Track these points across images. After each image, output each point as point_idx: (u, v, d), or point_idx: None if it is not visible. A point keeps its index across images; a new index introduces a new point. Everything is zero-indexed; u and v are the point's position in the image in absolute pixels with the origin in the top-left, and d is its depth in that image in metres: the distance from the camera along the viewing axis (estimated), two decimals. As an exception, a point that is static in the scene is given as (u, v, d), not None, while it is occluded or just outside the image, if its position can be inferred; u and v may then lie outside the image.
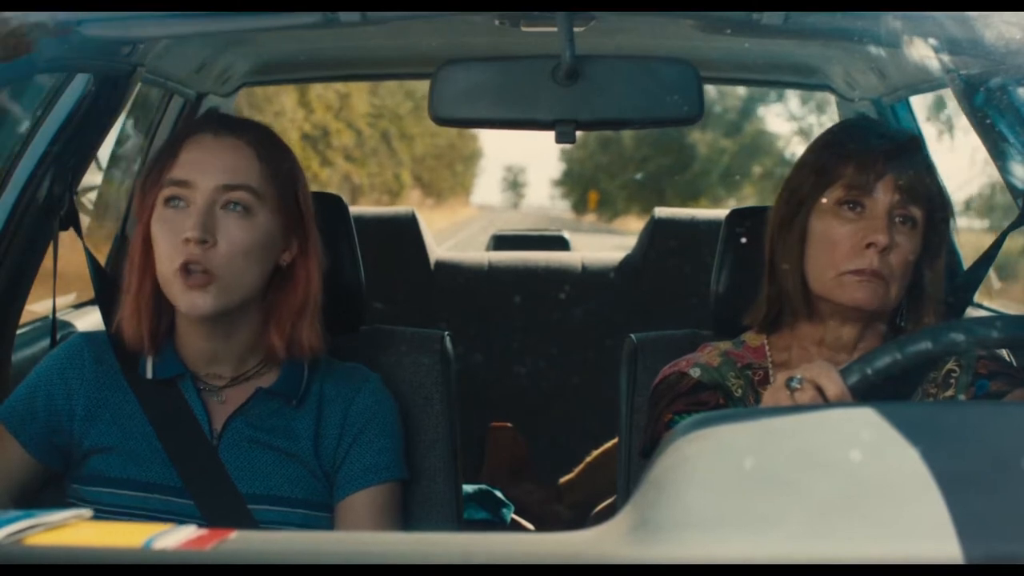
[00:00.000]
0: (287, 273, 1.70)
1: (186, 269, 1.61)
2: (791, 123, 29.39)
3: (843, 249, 1.66)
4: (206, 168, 1.64)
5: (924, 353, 1.38)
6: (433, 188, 36.90)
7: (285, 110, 21.11)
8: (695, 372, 1.75)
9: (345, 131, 24.97)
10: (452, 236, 22.63)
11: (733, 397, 1.73)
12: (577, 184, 42.52)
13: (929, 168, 1.73)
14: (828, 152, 1.73)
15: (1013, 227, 1.98)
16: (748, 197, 27.60)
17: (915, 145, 1.74)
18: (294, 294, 1.70)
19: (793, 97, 27.87)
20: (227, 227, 1.63)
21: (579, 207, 42.00)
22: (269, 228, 1.66)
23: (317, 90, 22.22)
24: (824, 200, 1.70)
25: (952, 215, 1.75)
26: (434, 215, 29.98)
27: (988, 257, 2.02)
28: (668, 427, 1.73)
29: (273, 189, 1.67)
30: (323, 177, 22.46)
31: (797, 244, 1.71)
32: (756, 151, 28.67)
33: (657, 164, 32.25)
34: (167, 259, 1.63)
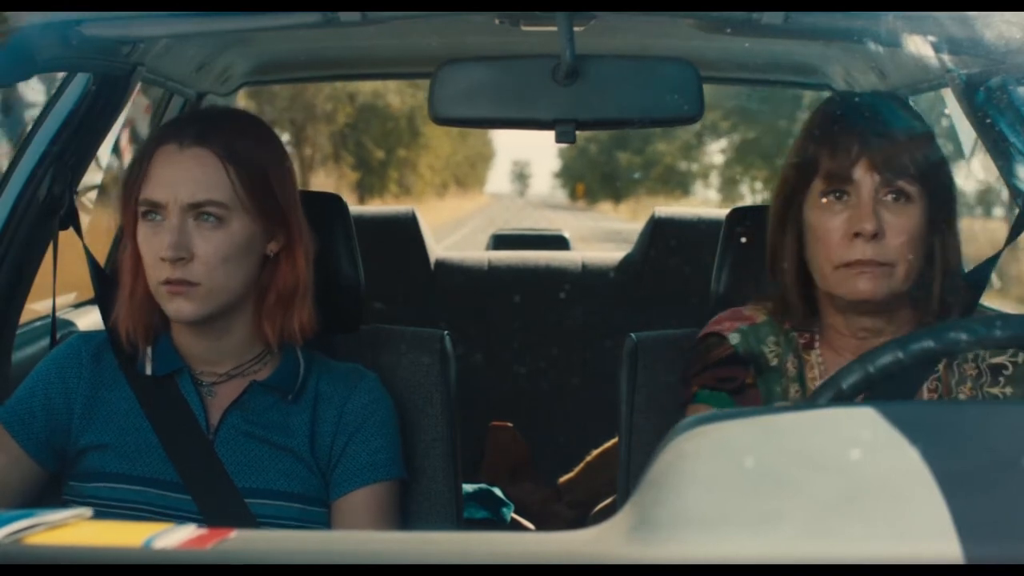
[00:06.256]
0: (274, 262, 1.71)
1: (167, 281, 1.63)
2: (673, 143, 44.52)
3: (833, 242, 1.62)
4: (174, 185, 1.64)
5: (926, 351, 1.38)
6: (462, 182, 56.75)
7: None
8: (734, 339, 1.72)
9: (437, 159, 41.81)
10: (478, 214, 33.58)
11: (766, 369, 1.71)
12: (571, 177, 61.84)
13: (920, 137, 1.65)
14: (808, 141, 1.68)
15: (1019, 227, 1.96)
16: (652, 190, 45.07)
17: (898, 117, 1.66)
18: (282, 282, 1.70)
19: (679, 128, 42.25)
20: (202, 239, 1.63)
21: (573, 195, 60.68)
22: (247, 231, 1.66)
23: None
24: (811, 192, 1.66)
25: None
26: (462, 201, 48.89)
27: (994, 257, 2.01)
28: (694, 399, 1.73)
29: (246, 193, 1.65)
30: (434, 181, 38.91)
31: (794, 241, 1.69)
32: (652, 163, 46.21)
33: (612, 168, 50.02)
34: (151, 271, 1.65)
